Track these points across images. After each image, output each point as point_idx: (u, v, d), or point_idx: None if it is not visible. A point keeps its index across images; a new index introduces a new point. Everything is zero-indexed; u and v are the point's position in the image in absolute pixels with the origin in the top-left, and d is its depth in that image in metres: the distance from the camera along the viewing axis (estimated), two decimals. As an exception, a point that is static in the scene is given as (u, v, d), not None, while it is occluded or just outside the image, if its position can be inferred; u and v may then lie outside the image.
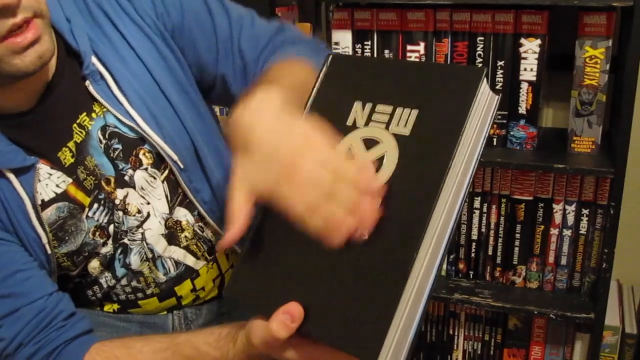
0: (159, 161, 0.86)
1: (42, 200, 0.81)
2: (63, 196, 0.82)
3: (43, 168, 0.81)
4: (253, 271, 0.64)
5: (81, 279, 0.90)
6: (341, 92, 0.67)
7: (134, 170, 0.86)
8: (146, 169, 0.86)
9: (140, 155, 0.86)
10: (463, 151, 0.58)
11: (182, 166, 0.87)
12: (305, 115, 0.66)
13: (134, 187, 0.86)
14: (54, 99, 0.80)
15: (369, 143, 0.63)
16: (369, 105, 0.64)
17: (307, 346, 0.59)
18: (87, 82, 0.81)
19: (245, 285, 0.64)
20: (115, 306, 0.94)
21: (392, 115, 0.63)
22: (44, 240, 0.81)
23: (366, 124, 0.64)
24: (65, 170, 0.83)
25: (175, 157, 0.86)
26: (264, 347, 0.60)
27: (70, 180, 0.83)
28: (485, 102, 0.60)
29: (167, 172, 0.88)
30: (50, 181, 0.81)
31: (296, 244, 0.62)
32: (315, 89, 0.69)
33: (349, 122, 0.65)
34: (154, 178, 0.87)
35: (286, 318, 0.57)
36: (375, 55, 1.42)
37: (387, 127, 0.62)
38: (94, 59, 0.81)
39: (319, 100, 0.68)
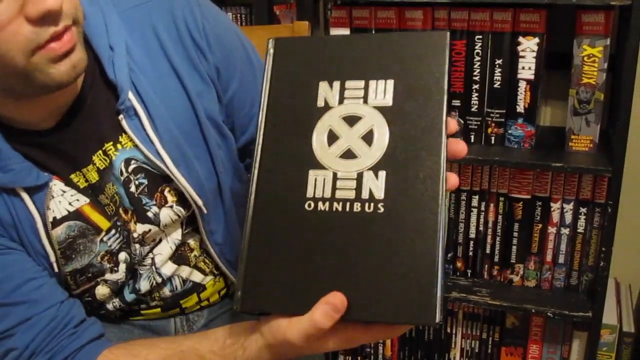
0: (183, 200, 0.85)
1: (54, 218, 0.79)
2: (75, 215, 0.80)
3: (57, 184, 0.79)
4: (264, 277, 0.62)
5: (87, 304, 0.88)
6: (299, 75, 0.66)
7: (160, 208, 0.84)
8: (171, 207, 0.84)
9: (166, 193, 0.84)
10: (446, 109, 0.61)
11: (205, 211, 0.85)
12: (264, 106, 0.66)
13: (157, 225, 0.84)
14: (76, 123, 0.78)
15: (351, 120, 0.63)
16: (337, 84, 0.64)
17: (345, 330, 0.59)
18: (121, 117, 0.78)
19: (260, 293, 0.62)
20: (118, 313, 0.93)
21: (366, 89, 0.63)
22: (52, 258, 0.79)
23: (340, 102, 0.63)
24: (80, 190, 0.81)
25: (200, 202, 0.84)
26: (305, 341, 0.60)
27: (87, 200, 0.81)
28: (450, 62, 0.63)
29: (190, 211, 0.86)
30: (63, 198, 0.80)
31: (304, 236, 0.61)
32: (267, 77, 0.67)
33: (320, 104, 0.64)
34: (179, 217, 0.86)
35: (329, 308, 0.57)
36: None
37: (365, 102, 0.63)
38: (130, 95, 0.77)
39: (277, 88, 0.66)
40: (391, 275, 0.58)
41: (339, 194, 0.61)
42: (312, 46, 0.68)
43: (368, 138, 0.61)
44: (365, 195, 0.60)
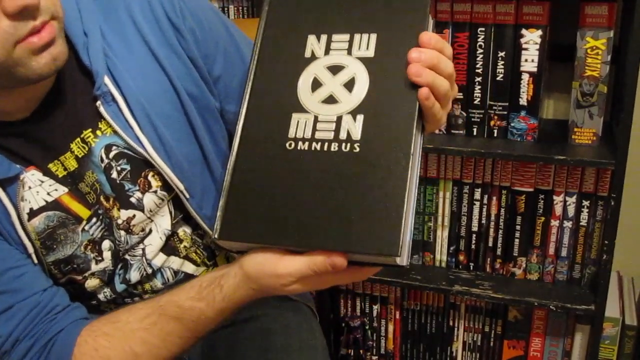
0: (168, 185, 0.84)
1: (31, 209, 0.79)
2: (54, 205, 0.80)
3: (35, 174, 0.78)
4: (244, 208, 0.66)
5: (77, 295, 0.88)
6: (290, 29, 0.71)
7: (143, 194, 0.83)
8: (155, 192, 0.84)
9: (149, 178, 0.83)
10: None
11: (187, 196, 0.85)
12: (255, 55, 0.70)
13: (142, 210, 0.84)
14: (52, 111, 0.78)
15: (334, 69, 0.68)
16: (324, 37, 0.69)
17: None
18: (98, 103, 0.78)
19: (239, 224, 0.66)
20: (111, 306, 0.93)
21: (350, 42, 0.68)
22: (30, 250, 0.79)
23: (326, 53, 0.68)
24: (59, 180, 0.80)
25: (181, 187, 0.83)
26: (290, 278, 0.64)
27: (66, 189, 0.80)
28: (432, 20, 0.68)
29: (173, 194, 0.86)
30: (41, 188, 0.79)
31: (284, 172, 0.65)
32: (260, 30, 0.71)
33: (307, 55, 0.69)
34: (162, 200, 0.85)
35: (330, 264, 0.61)
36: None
37: (349, 53, 0.68)
38: (106, 80, 0.77)
39: (268, 40, 0.71)
40: (362, 210, 0.62)
41: (318, 135, 0.65)
42: (305, 1, 0.72)
43: (349, 85, 0.66)
44: (343, 136, 0.64)
